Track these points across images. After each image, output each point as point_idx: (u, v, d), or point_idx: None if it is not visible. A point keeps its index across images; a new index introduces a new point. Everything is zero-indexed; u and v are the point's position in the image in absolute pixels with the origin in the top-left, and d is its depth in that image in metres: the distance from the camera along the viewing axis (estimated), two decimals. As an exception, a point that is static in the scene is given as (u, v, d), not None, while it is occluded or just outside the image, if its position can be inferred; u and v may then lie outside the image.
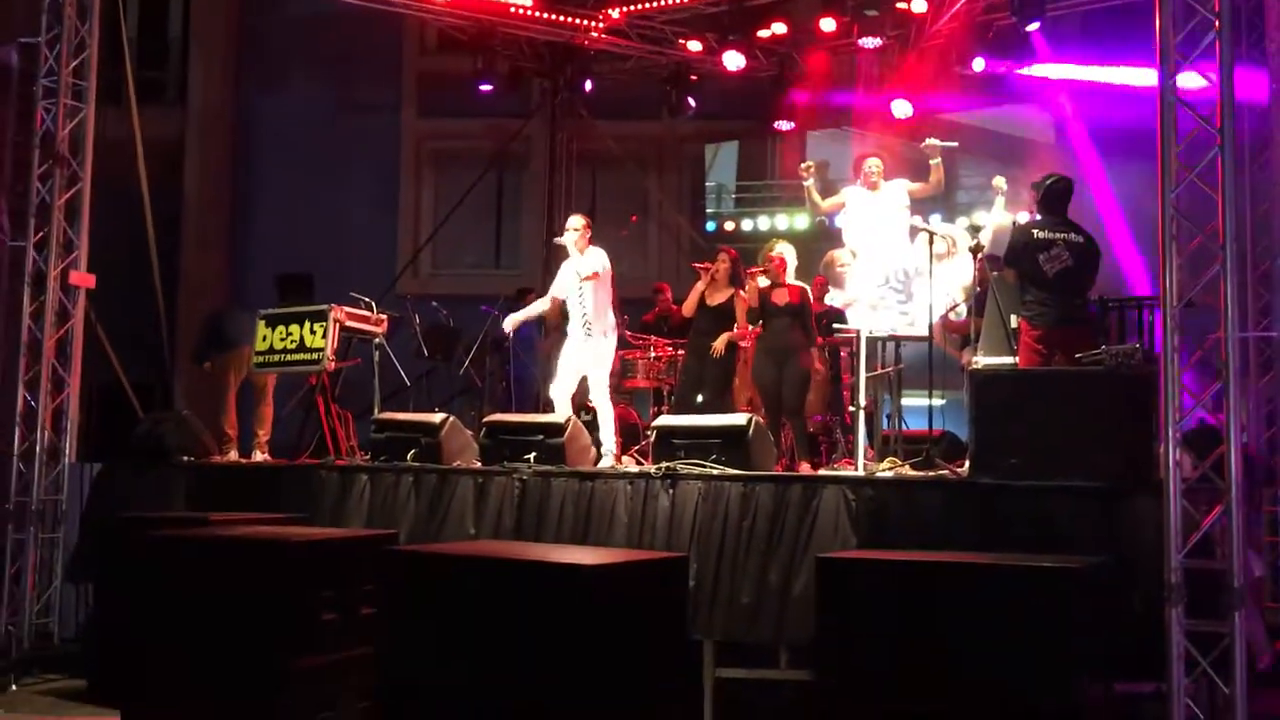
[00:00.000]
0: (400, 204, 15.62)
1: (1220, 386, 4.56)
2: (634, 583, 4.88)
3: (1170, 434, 4.57)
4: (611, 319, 7.87)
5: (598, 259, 7.70)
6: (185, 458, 8.09)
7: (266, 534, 5.86)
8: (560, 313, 8.51)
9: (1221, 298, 4.52)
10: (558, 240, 7.98)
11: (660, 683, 4.99)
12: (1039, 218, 6.77)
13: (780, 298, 7.91)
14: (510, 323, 8.26)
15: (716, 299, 8.53)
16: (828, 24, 10.54)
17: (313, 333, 8.12)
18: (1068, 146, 11.47)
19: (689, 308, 8.68)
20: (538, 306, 8.32)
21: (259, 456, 8.64)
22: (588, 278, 7.64)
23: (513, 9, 11.34)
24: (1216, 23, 4.62)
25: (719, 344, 8.32)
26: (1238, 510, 4.43)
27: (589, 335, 7.71)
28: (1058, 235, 6.58)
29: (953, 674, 4.42)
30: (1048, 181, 6.78)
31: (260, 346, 8.40)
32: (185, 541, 5.86)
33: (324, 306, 8.20)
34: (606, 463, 7.27)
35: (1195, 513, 4.58)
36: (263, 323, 8.42)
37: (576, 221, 7.86)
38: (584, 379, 7.92)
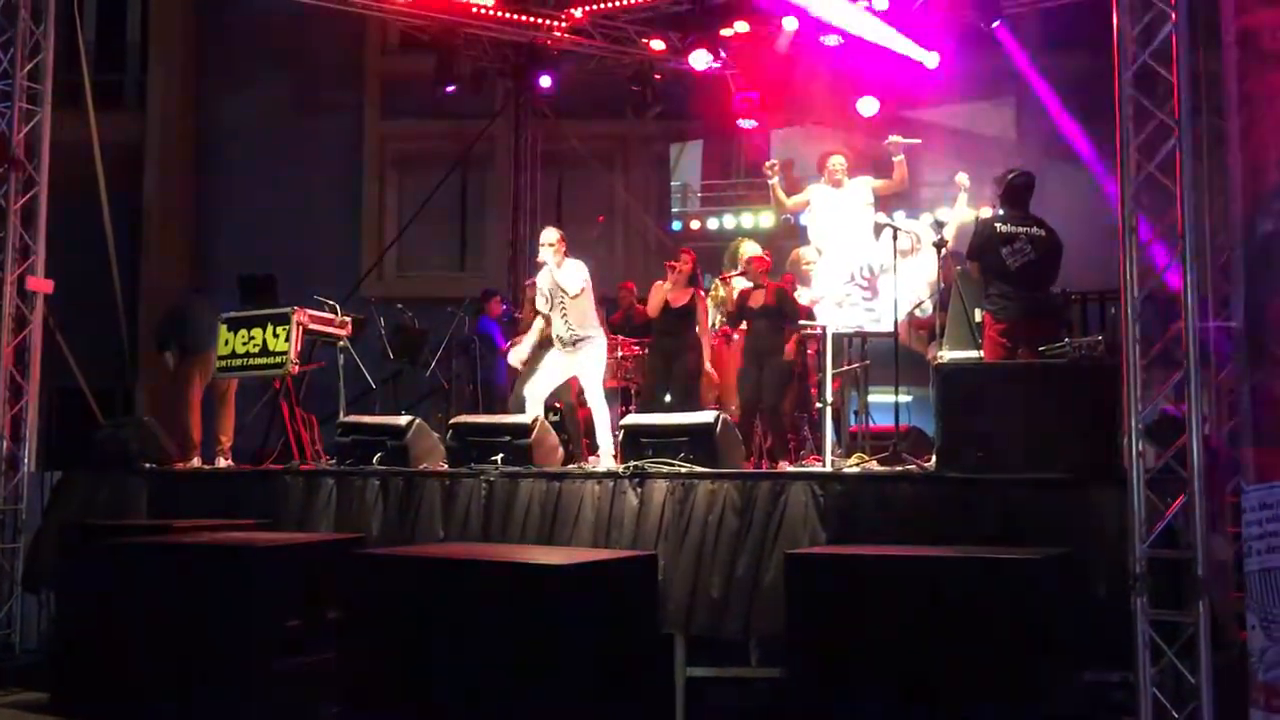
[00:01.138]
0: (364, 206, 15.54)
1: (1181, 377, 4.59)
2: (602, 582, 4.88)
3: (1133, 425, 4.59)
4: (597, 322, 7.87)
5: (580, 274, 7.70)
6: (147, 464, 8.00)
7: (230, 540, 5.80)
8: (534, 321, 8.50)
9: (1182, 289, 4.55)
10: (539, 259, 7.88)
11: (631, 681, 4.98)
12: (1001, 212, 6.81)
13: (759, 299, 7.92)
14: (515, 358, 8.21)
15: (678, 299, 8.57)
16: (790, 22, 10.55)
17: (275, 336, 8.05)
18: (1029, 141, 11.54)
19: (653, 308, 8.70)
20: (535, 332, 8.22)
21: (222, 463, 8.55)
22: (575, 297, 7.65)
23: (475, 9, 11.27)
24: (1174, 15, 4.66)
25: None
26: (1200, 499, 4.46)
27: (576, 344, 7.70)
28: (1020, 229, 6.62)
29: (921, 667, 4.44)
30: (1009, 176, 6.83)
31: (222, 351, 8.32)
32: (148, 549, 5.81)
33: (287, 309, 8.13)
34: (605, 463, 7.24)
35: (1159, 503, 4.61)
36: (224, 326, 8.34)
37: (551, 236, 7.83)
38: (562, 382, 7.94)
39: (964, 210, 8.07)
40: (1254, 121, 4.43)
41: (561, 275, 7.68)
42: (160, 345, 9.20)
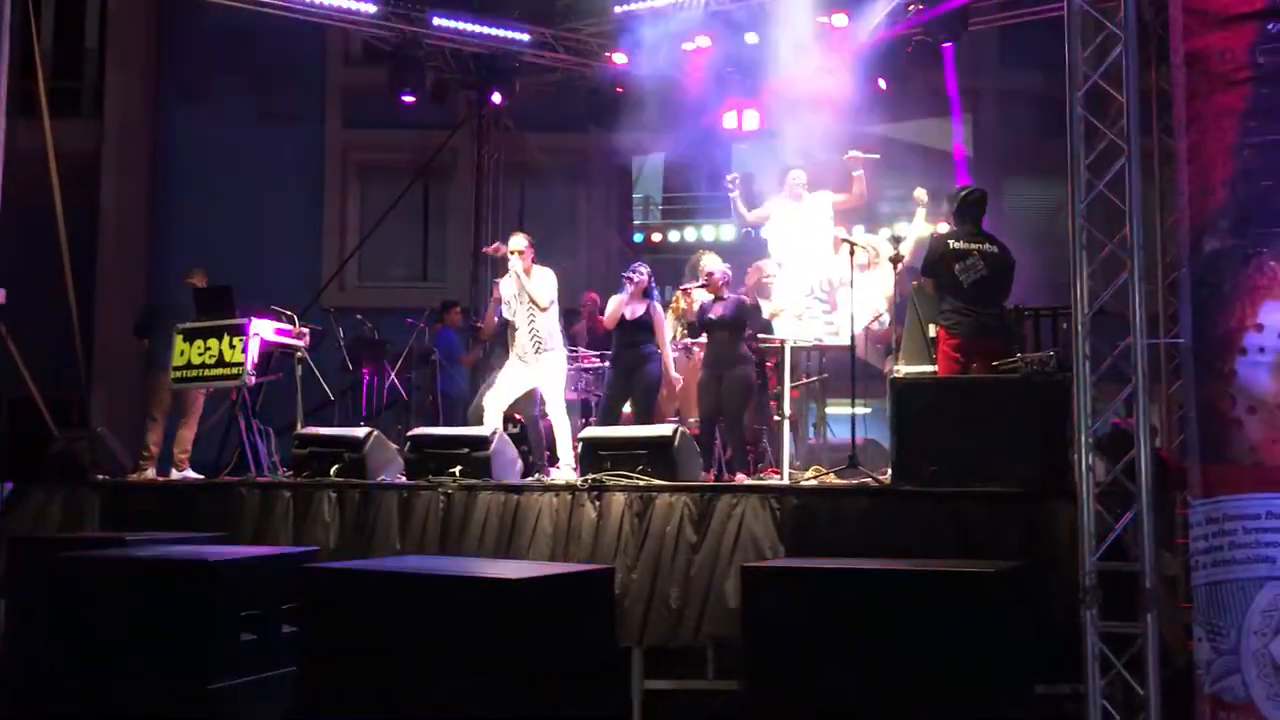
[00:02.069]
0: (325, 216, 15.44)
1: (1131, 392, 4.66)
2: (559, 595, 4.86)
3: (1083, 439, 4.65)
4: (560, 334, 7.87)
5: (551, 285, 7.71)
6: (101, 476, 7.91)
7: (183, 554, 5.74)
8: (495, 328, 8.49)
9: (1130, 306, 4.62)
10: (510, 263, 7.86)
11: (588, 695, 4.97)
12: (955, 228, 6.89)
13: (718, 311, 7.97)
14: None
15: (634, 311, 8.60)
16: (751, 38, 10.62)
17: (232, 347, 8.00)
18: (984, 158, 11.68)
19: (610, 320, 8.72)
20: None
21: (175, 475, 8.45)
22: (545, 309, 7.65)
23: (436, 19, 11.28)
24: (1124, 37, 4.74)
25: None
26: (1148, 513, 4.52)
27: (540, 353, 7.69)
28: (973, 246, 6.70)
29: (876, 680, 4.46)
30: (962, 193, 6.91)
31: (177, 361, 8.25)
32: (99, 563, 5.72)
33: (243, 320, 8.07)
34: (567, 476, 7.23)
35: (1108, 516, 4.67)
36: (180, 337, 8.27)
37: (520, 242, 7.83)
38: (522, 394, 7.93)
39: (922, 225, 8.16)
40: (1201, 141, 4.51)
41: (533, 285, 7.67)
42: (138, 332, 9.03)
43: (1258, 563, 4.29)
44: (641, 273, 8.66)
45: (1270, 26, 4.35)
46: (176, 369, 8.28)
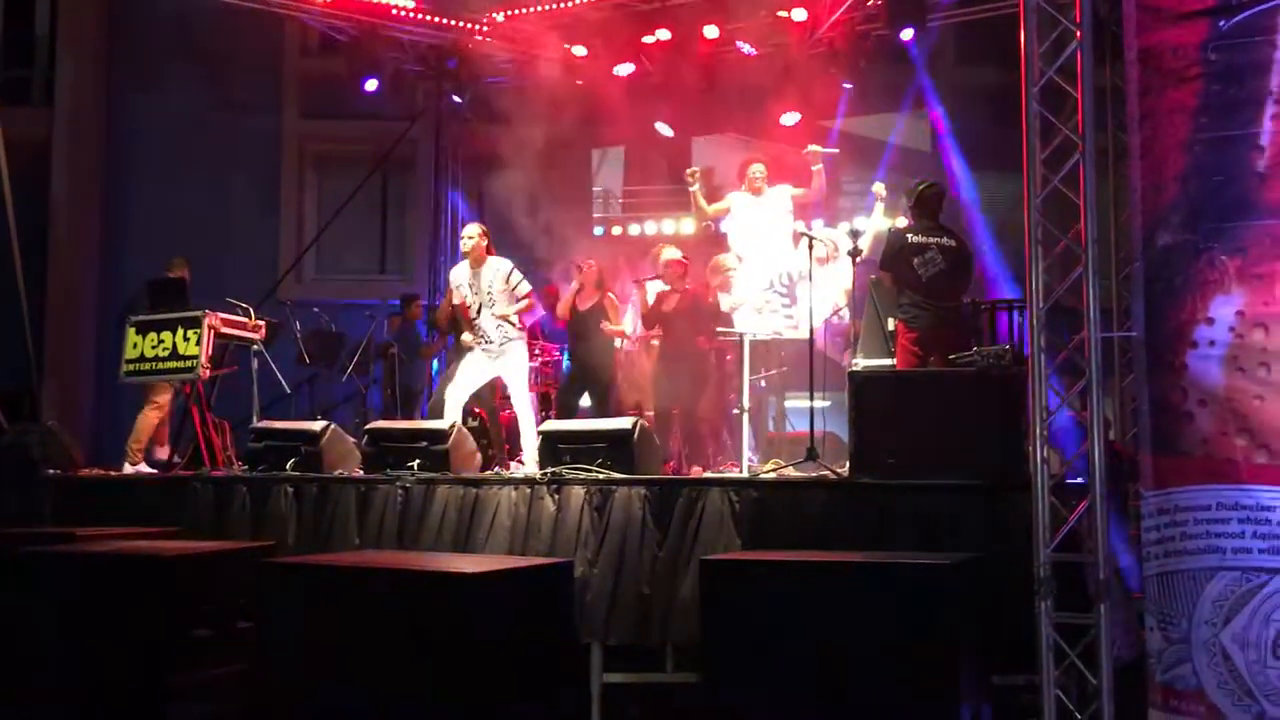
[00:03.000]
0: (282, 208, 15.27)
1: (1085, 385, 4.70)
2: (517, 589, 4.86)
3: (1038, 432, 4.69)
4: (518, 325, 7.82)
5: (507, 268, 7.68)
6: (52, 470, 7.79)
7: (136, 549, 5.67)
8: (450, 319, 8.43)
9: (1084, 299, 4.66)
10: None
11: (547, 688, 4.97)
12: (913, 223, 6.93)
13: (674, 303, 7.96)
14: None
15: (584, 303, 8.61)
16: (711, 31, 10.62)
17: (186, 340, 7.91)
18: (943, 153, 11.75)
19: (562, 311, 8.73)
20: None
21: (129, 469, 8.32)
22: (503, 290, 7.60)
23: (394, 10, 11.19)
24: (1078, 33, 4.78)
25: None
26: (1102, 505, 4.57)
27: (503, 343, 7.65)
28: (931, 240, 6.75)
29: (835, 671, 4.49)
30: (920, 187, 6.96)
31: (130, 354, 8.13)
32: (50, 558, 5.64)
33: (198, 313, 7.98)
34: (531, 468, 7.20)
35: (1063, 508, 4.71)
36: (132, 330, 8.16)
37: (472, 230, 7.81)
38: (484, 385, 7.91)
39: (880, 220, 8.19)
40: (1154, 137, 4.57)
41: (494, 273, 7.64)
42: (127, 312, 8.84)
43: (1208, 553, 4.36)
44: (591, 265, 8.66)
45: (1221, 23, 4.41)
46: (129, 362, 8.17)
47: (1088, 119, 4.71)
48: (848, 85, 11.07)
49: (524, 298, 7.71)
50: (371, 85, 11.59)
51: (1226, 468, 4.33)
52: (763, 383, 8.21)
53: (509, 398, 8.04)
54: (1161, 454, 4.49)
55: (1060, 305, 4.82)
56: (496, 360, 7.71)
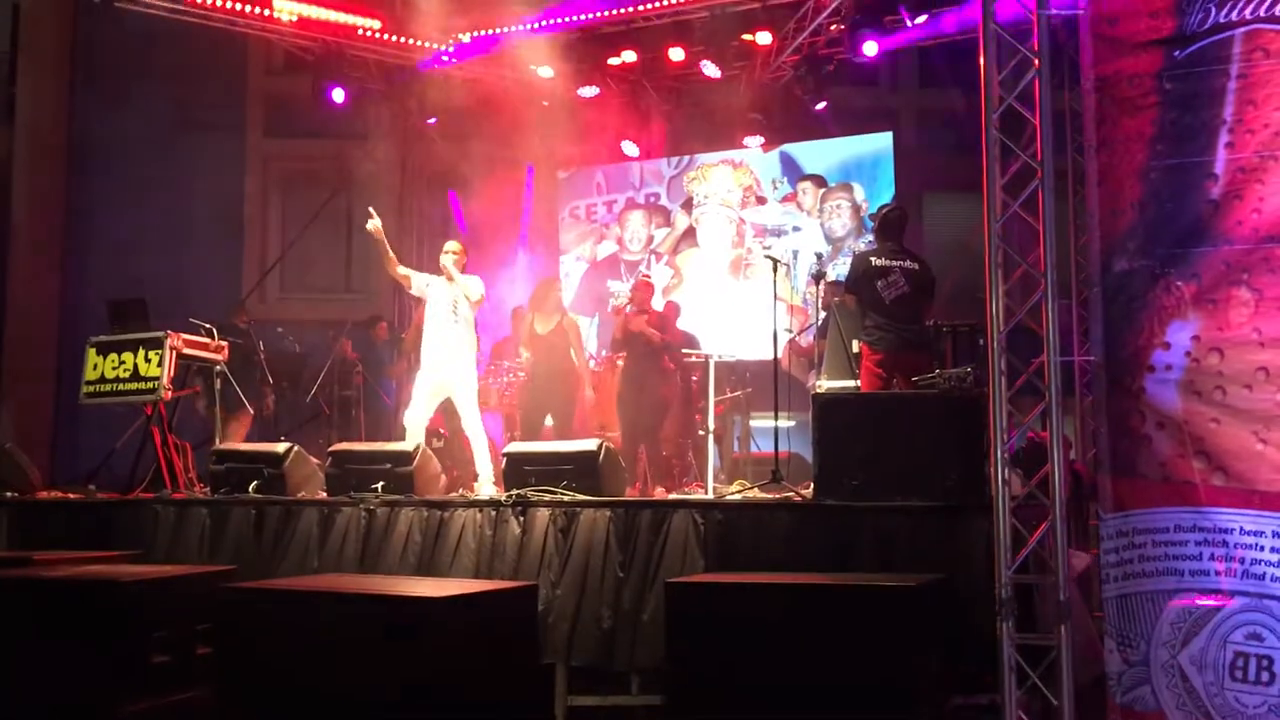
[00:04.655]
0: (246, 226, 15.17)
1: (1045, 408, 4.75)
2: (481, 613, 4.83)
3: (998, 454, 4.73)
4: (473, 343, 7.79)
5: (480, 286, 7.67)
6: (8, 494, 7.68)
7: (93, 573, 5.59)
8: (417, 340, 8.39)
9: (1044, 323, 4.71)
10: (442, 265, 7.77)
11: (511, 712, 4.94)
12: (876, 245, 6.99)
13: (640, 324, 7.97)
14: None
15: (544, 325, 8.63)
16: (676, 53, 10.68)
17: (147, 361, 7.82)
18: (905, 175, 11.86)
19: (523, 336, 8.75)
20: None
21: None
22: (477, 303, 7.61)
23: (360, 30, 11.19)
24: (1036, 62, 4.84)
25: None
26: (1062, 526, 4.61)
27: (457, 359, 7.60)
28: (894, 263, 6.80)
29: (799, 694, 4.49)
30: (883, 210, 7.03)
31: (90, 376, 8.04)
32: (4, 584, 5.54)
33: (159, 334, 7.90)
34: (486, 491, 7.15)
35: (1024, 529, 4.75)
36: (93, 350, 8.07)
37: (453, 245, 7.79)
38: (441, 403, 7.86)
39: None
40: (1111, 164, 4.64)
41: (469, 288, 7.62)
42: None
43: (1166, 575, 4.41)
44: (553, 286, 8.69)
45: (1176, 53, 4.49)
46: (89, 383, 8.07)
47: (1046, 146, 4.77)
48: (819, 106, 11.17)
49: (476, 302, 7.68)
50: (339, 95, 11.52)
51: (1185, 490, 4.39)
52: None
53: None
54: (1120, 476, 4.55)
55: (1021, 327, 4.87)
56: (447, 379, 7.63)
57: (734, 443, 8.95)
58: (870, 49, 10.03)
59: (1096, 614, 5.16)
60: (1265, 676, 4.19)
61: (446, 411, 8.29)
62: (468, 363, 7.67)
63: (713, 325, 8.61)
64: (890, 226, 6.96)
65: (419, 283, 7.74)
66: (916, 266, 6.83)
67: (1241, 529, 4.27)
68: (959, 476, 5.44)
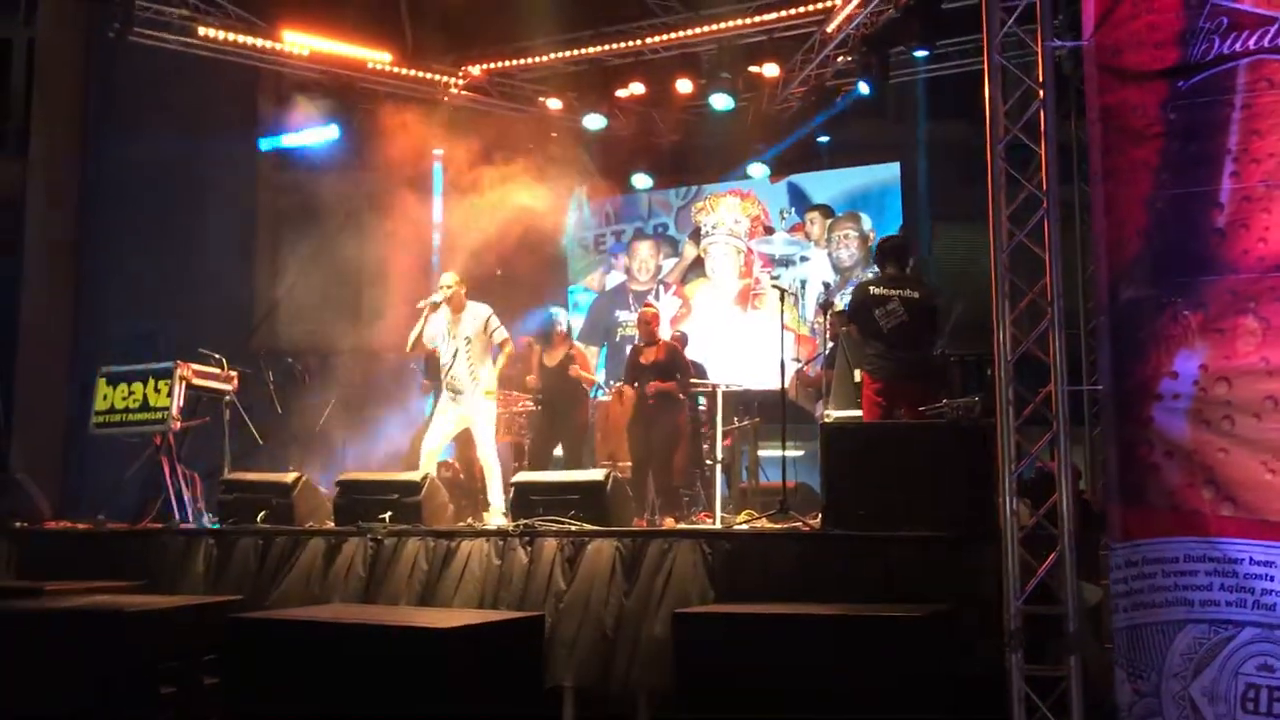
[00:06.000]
0: (257, 258, 15.24)
1: (1052, 437, 4.74)
2: (488, 643, 4.82)
3: (1007, 484, 4.72)
4: (492, 372, 7.78)
5: (485, 314, 7.66)
6: (17, 523, 7.70)
7: (101, 604, 5.60)
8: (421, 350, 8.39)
9: (1051, 352, 4.71)
10: (432, 300, 7.76)
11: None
12: (877, 274, 7.01)
13: (650, 356, 8.00)
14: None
15: (553, 358, 8.68)
16: (684, 85, 10.74)
17: (157, 391, 7.88)
18: (912, 204, 11.89)
19: (533, 368, 8.81)
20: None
21: None
22: (475, 337, 7.59)
23: (370, 64, 11.28)
24: (1041, 93, 4.87)
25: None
26: (1071, 556, 4.59)
27: (474, 391, 7.61)
28: (893, 291, 6.80)
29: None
30: (885, 239, 7.04)
31: (100, 406, 8.09)
32: (14, 614, 5.56)
33: (169, 364, 7.95)
34: (496, 522, 7.15)
35: (1033, 560, 4.73)
36: (103, 380, 8.12)
37: (448, 279, 7.79)
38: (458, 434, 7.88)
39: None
40: (1116, 193, 4.65)
41: (473, 320, 7.63)
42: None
43: (1177, 605, 4.38)
44: (560, 319, 8.76)
45: (1180, 84, 4.50)
46: (99, 413, 8.13)
47: (1052, 176, 4.79)
48: (822, 139, 11.22)
49: (501, 344, 7.69)
50: (349, 127, 11.63)
51: (1193, 519, 4.37)
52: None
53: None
54: (1129, 506, 4.52)
55: (1029, 356, 4.86)
56: (465, 409, 7.65)
57: (742, 473, 8.93)
58: (863, 89, 10.02)
59: (1106, 645, 5.12)
60: (1277, 708, 4.15)
61: (459, 441, 8.30)
62: (485, 393, 7.69)
63: (720, 355, 8.58)
64: (891, 255, 6.97)
65: (428, 335, 7.74)
66: (917, 295, 6.82)
67: (1251, 559, 4.24)
68: (967, 507, 5.41)
